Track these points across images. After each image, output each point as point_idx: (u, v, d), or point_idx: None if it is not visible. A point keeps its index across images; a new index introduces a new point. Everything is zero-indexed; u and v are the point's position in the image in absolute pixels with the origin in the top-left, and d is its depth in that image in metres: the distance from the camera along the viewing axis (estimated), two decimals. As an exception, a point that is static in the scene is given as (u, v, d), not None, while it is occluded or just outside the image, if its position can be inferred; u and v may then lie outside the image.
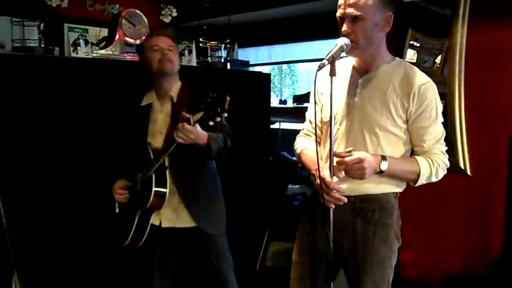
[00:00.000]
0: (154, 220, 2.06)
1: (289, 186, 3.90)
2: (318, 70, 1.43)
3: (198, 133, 1.80)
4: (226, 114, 1.71)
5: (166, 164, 2.00)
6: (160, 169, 1.98)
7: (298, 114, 3.01)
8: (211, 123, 1.72)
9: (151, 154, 2.02)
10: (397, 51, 2.80)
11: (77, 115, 2.37)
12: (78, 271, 2.37)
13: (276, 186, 3.61)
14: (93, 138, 2.41)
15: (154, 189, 1.95)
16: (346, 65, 1.67)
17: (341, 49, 1.47)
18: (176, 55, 2.12)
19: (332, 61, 1.44)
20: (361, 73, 1.62)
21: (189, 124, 1.74)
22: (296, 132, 1.88)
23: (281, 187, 3.77)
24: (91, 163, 2.39)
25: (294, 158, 3.15)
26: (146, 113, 2.12)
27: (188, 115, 1.75)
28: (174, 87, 2.10)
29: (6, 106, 2.15)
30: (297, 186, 3.94)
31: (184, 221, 2.06)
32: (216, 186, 2.21)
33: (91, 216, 2.38)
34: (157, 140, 2.06)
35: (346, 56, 1.61)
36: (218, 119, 1.71)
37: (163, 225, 2.07)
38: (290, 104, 4.80)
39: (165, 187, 1.99)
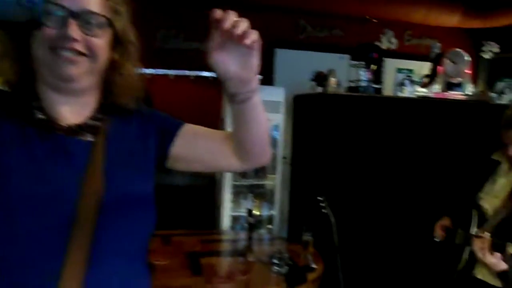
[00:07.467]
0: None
1: None
2: None
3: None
4: None
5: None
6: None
7: None
8: None
9: (476, 213, 1.86)
10: None
11: (407, 151, 2.75)
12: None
13: None
14: (423, 172, 2.74)
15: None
16: None
17: None
18: None
19: None
20: None
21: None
22: None
23: None
24: (419, 194, 2.75)
25: None
26: (489, 168, 1.92)
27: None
28: None
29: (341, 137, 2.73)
30: None
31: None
32: None
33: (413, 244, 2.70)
34: (488, 201, 1.87)
35: None
36: None
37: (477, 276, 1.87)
38: None
39: None
